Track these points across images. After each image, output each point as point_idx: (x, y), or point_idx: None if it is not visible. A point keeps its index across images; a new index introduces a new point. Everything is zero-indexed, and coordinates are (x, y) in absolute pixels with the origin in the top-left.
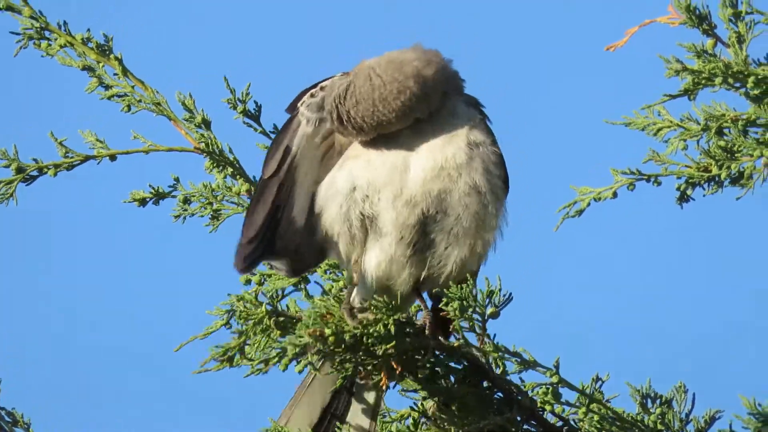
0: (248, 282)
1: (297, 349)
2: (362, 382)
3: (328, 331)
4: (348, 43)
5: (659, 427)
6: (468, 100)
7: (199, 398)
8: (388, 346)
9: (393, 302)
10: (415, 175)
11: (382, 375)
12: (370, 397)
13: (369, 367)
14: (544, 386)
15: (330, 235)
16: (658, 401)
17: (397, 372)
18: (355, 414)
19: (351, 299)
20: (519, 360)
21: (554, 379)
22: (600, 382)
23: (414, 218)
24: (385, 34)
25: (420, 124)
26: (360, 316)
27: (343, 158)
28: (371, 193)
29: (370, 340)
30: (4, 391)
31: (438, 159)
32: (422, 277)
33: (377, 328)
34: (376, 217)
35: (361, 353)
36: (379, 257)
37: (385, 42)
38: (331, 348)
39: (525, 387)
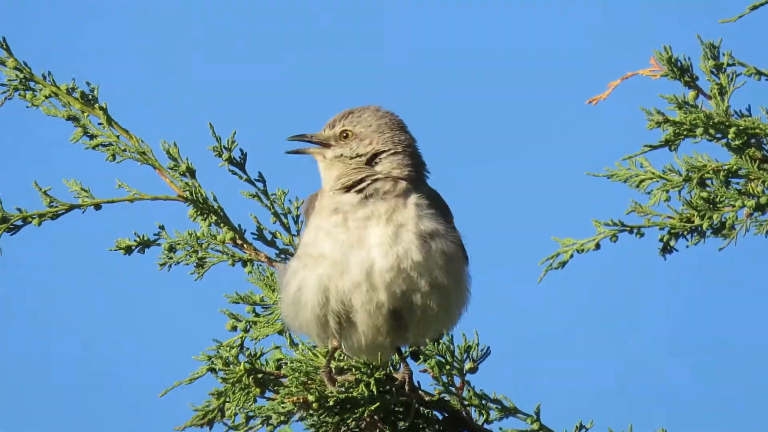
0: (234, 329)
1: (281, 417)
2: None
3: (311, 398)
4: (333, 87)
5: None
6: (425, 191)
7: None
8: (372, 407)
9: (373, 363)
10: (378, 277)
11: None
12: None
13: (353, 426)
14: None
15: (307, 331)
16: None
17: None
18: None
19: (330, 362)
20: (500, 407)
21: (535, 426)
22: (583, 429)
23: (384, 316)
24: (367, 77)
25: (376, 205)
26: (340, 378)
27: (302, 247)
28: (344, 299)
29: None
30: None
31: (396, 256)
32: (402, 345)
33: (360, 390)
34: (351, 318)
35: (346, 415)
36: (358, 341)
37: (365, 87)
38: (315, 413)
39: None
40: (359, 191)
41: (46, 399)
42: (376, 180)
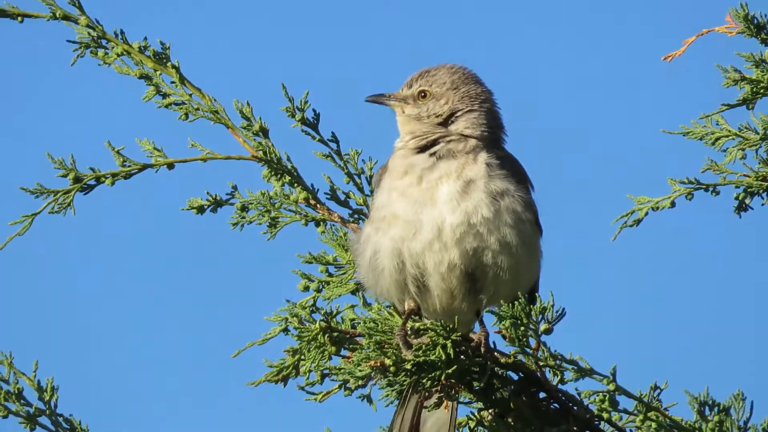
0: (306, 289)
1: (358, 382)
2: (425, 403)
3: (388, 362)
4: (410, 46)
5: None
6: (499, 153)
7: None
8: (449, 370)
9: (450, 324)
10: (449, 234)
11: (444, 401)
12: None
13: (428, 386)
14: (600, 394)
15: (388, 297)
16: (716, 409)
17: (458, 392)
18: (433, 423)
19: (405, 325)
20: (576, 368)
21: (611, 387)
22: (658, 390)
23: (458, 278)
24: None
25: (447, 164)
26: (416, 342)
27: (376, 210)
28: (417, 262)
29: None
30: (62, 398)
31: (465, 214)
32: (480, 308)
33: (437, 353)
34: (426, 282)
35: (422, 375)
36: (433, 306)
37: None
38: (393, 377)
39: (581, 396)
40: (432, 153)
41: (115, 357)
42: (448, 141)
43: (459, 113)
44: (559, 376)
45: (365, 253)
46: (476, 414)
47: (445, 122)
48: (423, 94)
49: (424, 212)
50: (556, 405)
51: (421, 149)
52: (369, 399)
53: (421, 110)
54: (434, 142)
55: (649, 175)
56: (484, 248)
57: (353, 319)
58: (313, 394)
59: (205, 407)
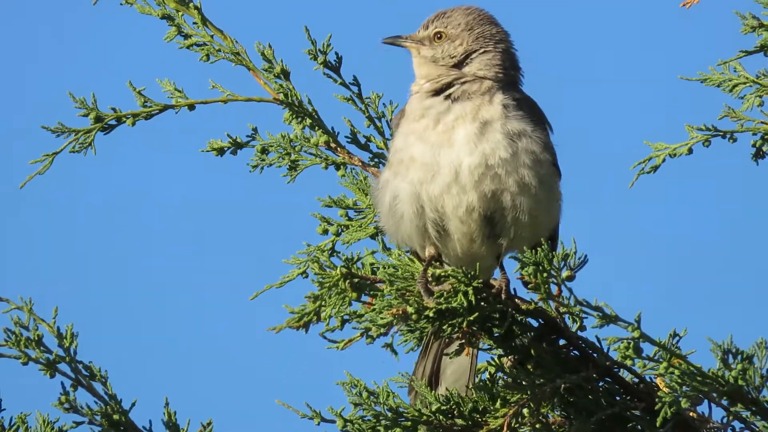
0: (325, 232)
1: (381, 329)
2: (446, 349)
3: (410, 309)
4: None
5: (740, 382)
6: (515, 94)
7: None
8: (471, 317)
9: (471, 271)
10: (467, 176)
11: (465, 348)
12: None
13: (449, 332)
14: (625, 341)
15: (410, 243)
16: (739, 357)
17: (479, 339)
18: (454, 370)
19: (426, 272)
20: (600, 314)
21: (636, 334)
22: (677, 338)
23: (476, 221)
24: None
25: (463, 106)
26: (437, 289)
27: (393, 153)
28: (437, 206)
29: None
30: (82, 345)
31: (483, 155)
32: (501, 253)
33: (458, 300)
34: (446, 226)
35: (444, 322)
36: (454, 250)
37: None
38: (414, 324)
39: (607, 342)
40: (447, 96)
41: (133, 302)
42: (463, 82)
43: (474, 54)
44: (578, 323)
45: (384, 199)
46: (496, 360)
47: (460, 64)
48: (439, 36)
49: (441, 154)
50: (576, 352)
51: (437, 92)
52: (392, 348)
53: (436, 52)
54: (449, 85)
55: (666, 121)
56: (502, 190)
57: (372, 264)
58: (335, 341)
59: (224, 355)
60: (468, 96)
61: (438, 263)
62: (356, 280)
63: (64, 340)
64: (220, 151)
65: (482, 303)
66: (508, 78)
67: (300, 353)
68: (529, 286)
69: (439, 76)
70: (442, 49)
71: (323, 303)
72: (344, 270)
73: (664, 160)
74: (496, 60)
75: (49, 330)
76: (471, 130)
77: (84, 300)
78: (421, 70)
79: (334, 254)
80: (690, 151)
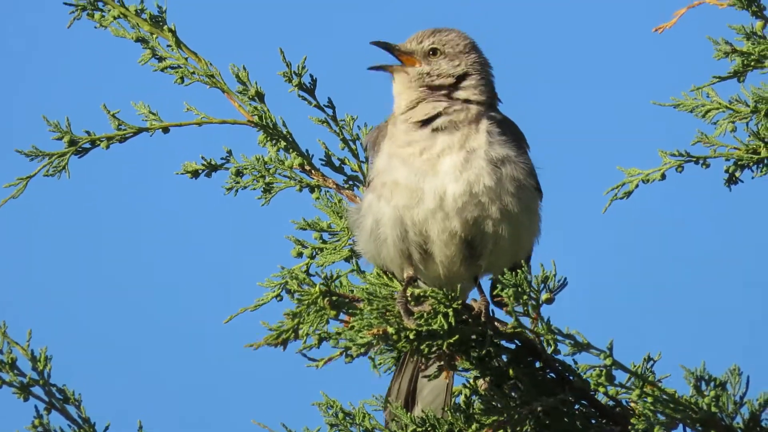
0: (300, 255)
1: (360, 349)
2: (424, 372)
3: (390, 330)
4: (403, 13)
5: (713, 409)
6: (498, 118)
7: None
8: (450, 339)
9: (452, 293)
10: (451, 203)
11: (444, 371)
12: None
13: (431, 356)
14: (597, 368)
15: (391, 266)
16: (712, 384)
17: (458, 362)
18: (431, 389)
19: (405, 292)
20: (572, 342)
21: (608, 362)
22: (651, 362)
23: (457, 245)
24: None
25: (450, 135)
26: (416, 309)
27: (376, 175)
28: (421, 229)
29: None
30: (55, 368)
31: (468, 182)
32: (478, 274)
33: (439, 322)
34: (428, 249)
35: (424, 343)
36: (436, 272)
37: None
38: (395, 344)
39: (579, 369)
40: (435, 129)
41: (107, 325)
42: (450, 111)
43: (467, 78)
44: (553, 346)
45: (365, 222)
46: (471, 382)
47: (452, 86)
48: (434, 52)
49: (426, 181)
50: (552, 374)
51: (423, 123)
52: (374, 363)
53: (432, 67)
54: (436, 116)
55: (639, 147)
56: (485, 217)
57: (347, 286)
58: (314, 360)
59: (202, 375)
60: (455, 126)
61: (416, 284)
62: (335, 298)
63: (38, 363)
64: (195, 174)
65: (463, 326)
66: (493, 101)
67: (276, 371)
68: (506, 309)
69: (425, 105)
70: (438, 66)
71: (301, 320)
72: (323, 288)
73: (637, 186)
74: (486, 86)
75: (23, 353)
76: (457, 158)
77: (58, 322)
78: (408, 93)
79: (309, 277)
80: (663, 176)
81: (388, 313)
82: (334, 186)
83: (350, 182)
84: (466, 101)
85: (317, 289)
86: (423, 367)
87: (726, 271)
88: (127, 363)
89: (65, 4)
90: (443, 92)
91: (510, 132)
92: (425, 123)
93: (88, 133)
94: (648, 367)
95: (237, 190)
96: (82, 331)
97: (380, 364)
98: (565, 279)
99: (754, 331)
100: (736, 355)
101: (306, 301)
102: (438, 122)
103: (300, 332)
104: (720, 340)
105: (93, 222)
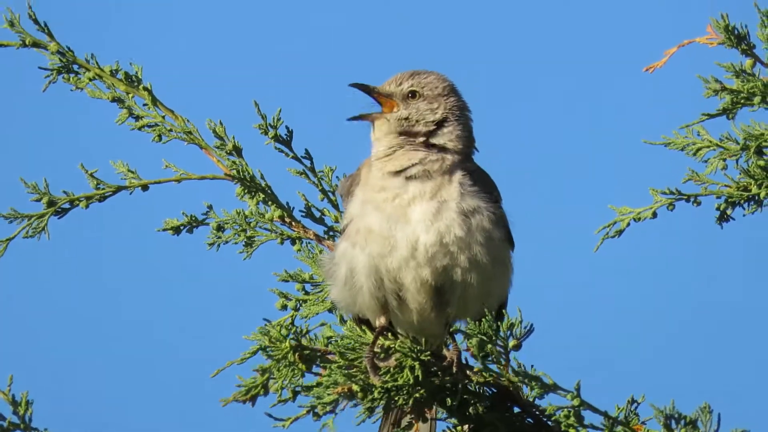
0: (284, 307)
1: (327, 407)
2: (395, 427)
3: (356, 388)
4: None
5: None
6: (472, 168)
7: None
8: (416, 394)
9: (418, 346)
10: (422, 252)
11: (415, 424)
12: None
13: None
14: (565, 409)
15: (366, 314)
16: (682, 422)
17: (429, 415)
18: None
19: (374, 345)
20: (539, 384)
21: (575, 402)
22: (635, 404)
23: (427, 293)
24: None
25: (423, 184)
26: (383, 365)
27: (349, 221)
28: (396, 277)
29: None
30: (37, 412)
31: (438, 232)
32: (449, 321)
33: (405, 376)
34: (403, 296)
35: (393, 398)
36: (409, 318)
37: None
38: (361, 401)
39: (547, 411)
40: (409, 176)
41: (95, 376)
42: (425, 161)
43: (447, 123)
44: (532, 390)
45: (339, 272)
46: (452, 429)
47: (431, 132)
48: (413, 95)
49: (398, 228)
50: (530, 420)
51: (398, 172)
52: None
53: (411, 112)
54: (412, 166)
55: (630, 185)
56: (454, 266)
57: (330, 337)
58: (281, 419)
59: (183, 427)
60: (428, 175)
61: (389, 332)
62: (306, 351)
63: (19, 407)
64: (177, 230)
65: (433, 378)
66: (468, 151)
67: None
68: (474, 358)
69: (402, 154)
70: (417, 109)
71: (272, 375)
72: (293, 342)
73: (628, 224)
74: (463, 132)
75: (4, 398)
76: (428, 208)
77: (39, 366)
78: (385, 141)
79: (294, 329)
80: (654, 214)
81: (355, 369)
82: (315, 237)
83: (331, 233)
84: (443, 149)
85: (287, 344)
86: (397, 417)
87: (718, 309)
88: (110, 410)
89: (40, 68)
90: (421, 138)
91: (482, 183)
92: (399, 172)
93: (66, 193)
94: (632, 409)
95: (219, 245)
96: (64, 375)
97: (357, 416)
98: (532, 325)
99: (725, 368)
100: (706, 393)
101: (276, 356)
102: (412, 171)
103: (274, 386)
104: (690, 378)
105: (75, 281)
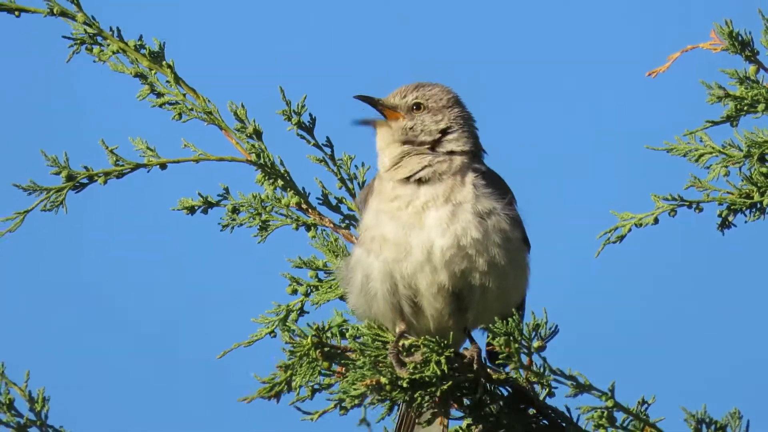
0: (294, 292)
1: (354, 401)
2: (419, 420)
3: (384, 380)
4: (402, 56)
5: None
6: (483, 171)
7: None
8: (444, 386)
9: (444, 341)
10: (439, 257)
11: (440, 418)
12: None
13: (425, 404)
14: (598, 410)
15: (382, 320)
16: (713, 427)
17: (454, 408)
18: None
19: (398, 344)
20: (575, 383)
21: (609, 404)
22: (646, 405)
23: (445, 299)
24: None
25: (435, 188)
26: (408, 360)
27: (364, 230)
28: (410, 283)
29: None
30: (53, 409)
31: (455, 235)
32: (467, 326)
33: (431, 369)
34: (419, 302)
35: (418, 392)
36: (426, 325)
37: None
38: (388, 393)
39: (581, 411)
40: (418, 181)
41: (101, 359)
42: (435, 164)
43: (451, 131)
44: (548, 390)
45: (355, 278)
46: (463, 428)
47: (436, 141)
48: (418, 107)
49: (413, 235)
50: (545, 422)
51: (407, 179)
52: (366, 422)
53: (415, 122)
54: (420, 170)
55: (632, 190)
56: (472, 269)
57: (342, 325)
58: (309, 413)
59: (195, 420)
60: (439, 177)
61: (408, 336)
62: (327, 348)
63: (36, 404)
64: (191, 210)
65: (454, 372)
66: (476, 153)
67: (270, 425)
68: (501, 357)
69: (409, 161)
70: (422, 121)
71: (294, 372)
72: (315, 339)
73: (630, 230)
74: (469, 137)
75: (21, 394)
76: (443, 211)
77: (56, 362)
78: (391, 148)
79: (302, 314)
80: (656, 220)
81: (380, 364)
82: (331, 225)
83: (347, 221)
84: (450, 153)
85: (309, 340)
86: (415, 415)
87: (723, 314)
88: (124, 404)
89: (64, 37)
90: (427, 147)
91: (495, 184)
92: (409, 178)
93: (86, 168)
94: (642, 410)
95: (233, 227)
96: (80, 370)
97: (381, 419)
98: (557, 326)
99: (754, 373)
100: (736, 399)
101: (298, 353)
102: (421, 174)
103: (293, 384)
104: (719, 382)
105: (89, 258)
